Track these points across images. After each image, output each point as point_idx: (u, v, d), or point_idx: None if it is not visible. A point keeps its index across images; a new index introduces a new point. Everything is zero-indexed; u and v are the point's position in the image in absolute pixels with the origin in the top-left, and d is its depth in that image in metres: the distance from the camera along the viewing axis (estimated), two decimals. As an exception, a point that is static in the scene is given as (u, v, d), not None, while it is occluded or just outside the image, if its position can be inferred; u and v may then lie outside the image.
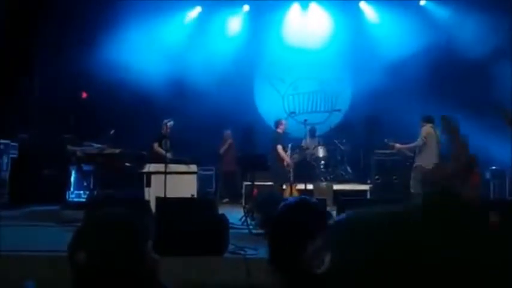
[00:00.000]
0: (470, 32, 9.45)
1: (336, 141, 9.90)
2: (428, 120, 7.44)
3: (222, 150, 9.86)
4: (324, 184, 8.60)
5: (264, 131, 9.90)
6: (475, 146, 8.22)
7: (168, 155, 7.29)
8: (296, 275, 1.21)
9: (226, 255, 4.42)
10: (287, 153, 8.04)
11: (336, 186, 8.66)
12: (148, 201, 6.20)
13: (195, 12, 11.10)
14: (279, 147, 7.76)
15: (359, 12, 10.97)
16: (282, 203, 1.40)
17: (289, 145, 8.39)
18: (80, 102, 9.76)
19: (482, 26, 9.22)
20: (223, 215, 4.87)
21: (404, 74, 9.71)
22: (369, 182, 9.20)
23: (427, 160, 7.29)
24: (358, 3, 10.92)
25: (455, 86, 9.71)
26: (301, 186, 7.87)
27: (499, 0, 9.03)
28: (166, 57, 10.11)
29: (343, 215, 0.71)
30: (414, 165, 7.43)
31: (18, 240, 4.76)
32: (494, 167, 8.76)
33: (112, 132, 8.00)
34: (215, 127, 9.94)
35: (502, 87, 9.09)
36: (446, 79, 9.79)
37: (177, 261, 3.86)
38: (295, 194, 7.83)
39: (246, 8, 11.12)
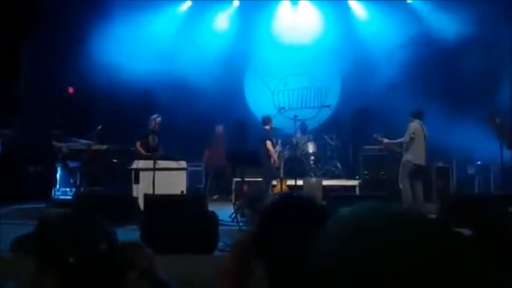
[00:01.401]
0: (456, 29, 9.54)
1: (326, 137, 9.93)
2: (416, 115, 7.49)
3: (210, 146, 9.82)
4: (313, 180, 8.61)
5: (254, 126, 9.88)
6: (459, 141, 8.35)
7: (160, 151, 7.25)
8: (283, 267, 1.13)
9: (216, 253, 4.40)
10: (276, 148, 8.04)
11: (325, 182, 8.69)
12: (136, 199, 6.15)
13: (184, 7, 11.01)
14: (268, 143, 7.75)
15: (348, 9, 10.98)
16: (268, 202, 1.31)
17: (279, 141, 8.38)
18: (66, 98, 9.62)
19: (468, 23, 9.31)
20: (213, 212, 4.84)
21: (392, 70, 9.75)
22: (357, 177, 9.25)
23: (415, 155, 7.35)
24: (347, 0, 10.94)
25: (441, 82, 9.81)
26: (291, 182, 7.88)
27: (486, 1, 9.10)
28: (155, 53, 10.00)
29: (343, 211, 0.67)
30: (402, 160, 7.49)
31: (1, 239, 4.67)
32: (479, 162, 8.87)
33: (99, 128, 7.90)
34: (205, 123, 9.89)
35: (487, 84, 9.22)
36: (434, 75, 9.88)
37: (166, 259, 3.82)
38: (285, 189, 7.84)
39: (236, 3, 11.06)
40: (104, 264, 1.21)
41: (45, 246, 1.22)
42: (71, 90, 9.47)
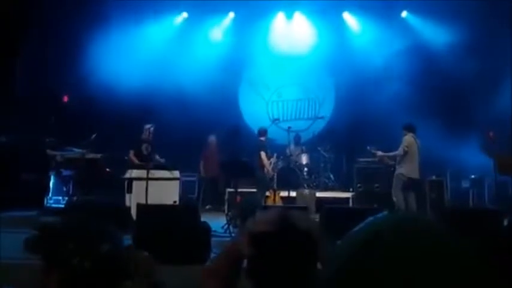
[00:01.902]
0: (450, 43, 9.66)
1: (319, 149, 9.95)
2: (410, 129, 7.53)
3: (204, 155, 9.81)
4: (306, 191, 8.60)
5: (248, 137, 9.89)
6: (453, 154, 8.39)
7: (160, 159, 7.23)
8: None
9: (208, 263, 4.37)
10: (270, 160, 8.05)
11: (319, 194, 8.68)
12: (129, 208, 6.11)
13: (180, 18, 11.09)
14: (263, 154, 7.76)
15: (342, 21, 11.10)
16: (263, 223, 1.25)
17: (275, 154, 8.40)
18: (61, 106, 9.60)
19: (462, 36, 9.43)
20: (205, 222, 4.82)
21: (387, 83, 9.83)
22: (351, 189, 9.25)
23: (408, 169, 7.38)
24: (341, 13, 11.05)
25: (436, 95, 9.88)
26: (284, 194, 7.87)
27: (480, 17, 9.22)
28: (150, 63, 10.03)
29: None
30: (395, 173, 7.50)
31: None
32: (472, 176, 8.91)
33: (93, 136, 7.88)
34: (199, 133, 9.88)
35: (481, 100, 9.29)
36: (428, 88, 9.95)
37: (158, 270, 3.79)
38: (279, 201, 7.82)
39: (232, 15, 11.15)
40: (106, 265, 1.23)
41: (51, 246, 1.24)
42: (65, 98, 9.45)
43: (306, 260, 1.12)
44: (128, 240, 4.61)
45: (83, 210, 5.52)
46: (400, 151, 7.39)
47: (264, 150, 7.84)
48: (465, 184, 9.04)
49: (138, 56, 10.00)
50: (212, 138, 9.89)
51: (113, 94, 9.26)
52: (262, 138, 7.98)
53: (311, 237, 1.14)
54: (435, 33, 10.23)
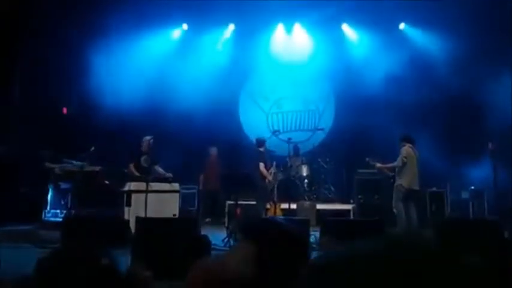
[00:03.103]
0: (448, 55, 9.71)
1: (319, 160, 9.92)
2: (408, 140, 7.52)
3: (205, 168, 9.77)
4: (307, 204, 8.56)
5: (249, 149, 9.86)
6: (453, 166, 8.38)
7: (160, 169, 7.20)
8: None
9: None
10: (270, 171, 8.02)
11: (319, 206, 8.63)
12: (127, 221, 6.06)
13: (180, 30, 11.14)
14: (261, 165, 7.73)
15: (341, 34, 11.16)
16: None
17: (273, 163, 8.37)
18: (60, 118, 9.58)
19: (459, 49, 9.48)
20: (205, 236, 4.76)
21: (386, 95, 9.86)
22: (352, 201, 9.20)
23: (408, 180, 7.34)
24: (340, 25, 11.12)
25: (435, 107, 9.89)
26: (285, 206, 7.82)
27: (478, 28, 9.28)
28: (151, 74, 10.05)
29: (319, 258, 0.65)
30: (395, 184, 7.47)
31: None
32: (472, 187, 8.88)
33: (92, 149, 7.84)
34: (199, 145, 9.86)
35: (481, 111, 9.29)
36: (427, 100, 9.96)
37: (157, 285, 3.73)
38: (279, 213, 7.77)
39: (232, 27, 11.21)
40: (108, 278, 1.22)
41: (53, 270, 1.25)
42: (64, 111, 9.44)
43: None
44: (126, 254, 4.56)
45: (81, 224, 5.46)
46: (398, 162, 7.37)
47: (262, 161, 7.81)
48: (465, 196, 9.01)
49: (138, 68, 10.02)
50: (213, 150, 9.87)
51: (112, 106, 9.26)
52: (261, 149, 7.96)
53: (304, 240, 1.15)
54: (433, 45, 10.29)
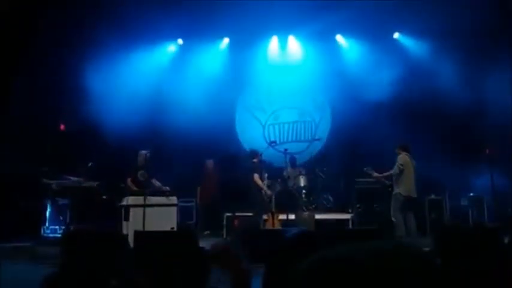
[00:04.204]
0: (442, 63, 9.79)
1: (317, 170, 9.93)
2: (404, 148, 7.56)
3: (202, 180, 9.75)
4: (305, 214, 8.54)
5: (245, 161, 9.85)
6: (452, 173, 8.38)
7: (157, 183, 7.18)
8: None
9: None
10: (264, 182, 8.03)
11: (318, 216, 8.61)
12: (126, 236, 6.03)
13: (176, 45, 11.23)
14: (256, 176, 7.74)
15: (336, 44, 11.26)
16: (285, 237, 1.31)
17: (266, 175, 8.38)
18: (57, 135, 9.59)
19: (453, 56, 9.57)
20: (204, 248, 4.75)
21: (383, 103, 9.90)
22: (350, 211, 9.19)
23: (405, 188, 7.37)
24: (334, 36, 11.23)
25: (432, 115, 9.93)
26: (283, 217, 7.80)
27: (474, 37, 9.38)
28: (146, 89, 10.09)
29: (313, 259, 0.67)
30: (393, 193, 7.49)
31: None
32: (472, 194, 8.89)
33: (90, 164, 7.85)
34: (196, 158, 9.86)
35: (478, 118, 9.33)
36: (424, 108, 9.99)
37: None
38: (277, 224, 7.76)
39: (226, 40, 11.31)
40: None
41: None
42: (62, 127, 9.45)
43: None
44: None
45: (80, 239, 5.44)
46: (395, 170, 7.40)
47: (257, 172, 7.82)
48: (464, 202, 9.01)
49: (134, 82, 10.06)
50: (209, 162, 9.87)
51: (109, 121, 9.28)
52: (255, 160, 7.97)
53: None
54: (428, 53, 10.38)
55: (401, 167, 7.34)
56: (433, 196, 8.84)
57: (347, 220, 8.83)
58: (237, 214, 7.29)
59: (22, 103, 9.35)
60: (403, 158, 7.41)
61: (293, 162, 9.98)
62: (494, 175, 7.69)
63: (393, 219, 7.39)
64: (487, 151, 7.53)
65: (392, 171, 7.46)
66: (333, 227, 7.80)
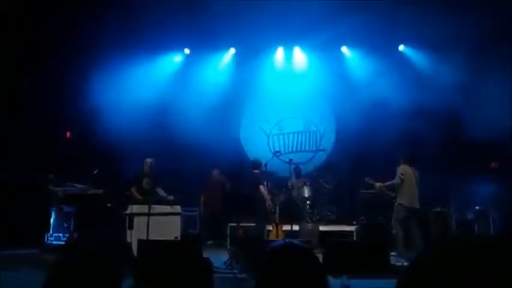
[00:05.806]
0: (448, 75, 9.79)
1: (321, 181, 9.91)
2: (405, 158, 7.54)
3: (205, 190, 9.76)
4: (310, 225, 8.51)
5: (248, 171, 9.86)
6: (457, 186, 8.34)
7: (162, 192, 7.20)
8: None
9: None
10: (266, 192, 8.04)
11: (322, 228, 8.58)
12: (130, 244, 6.06)
13: (183, 55, 11.33)
14: (261, 188, 7.73)
15: (341, 55, 11.32)
16: (268, 247, 1.33)
17: (268, 184, 8.37)
18: (63, 142, 9.65)
19: (457, 72, 9.57)
20: (207, 258, 4.75)
21: (388, 114, 9.88)
22: (354, 222, 9.14)
23: (407, 198, 7.32)
24: (340, 47, 11.28)
25: (437, 127, 9.90)
26: (287, 227, 7.78)
27: (478, 48, 9.38)
28: (152, 98, 10.15)
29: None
30: (395, 204, 7.44)
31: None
32: (477, 207, 8.82)
33: (95, 172, 7.89)
34: (201, 168, 9.88)
35: (483, 130, 9.29)
36: (428, 120, 9.94)
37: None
38: (281, 235, 7.73)
39: (232, 50, 11.40)
40: None
41: None
42: (68, 134, 9.52)
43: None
44: (129, 277, 4.54)
45: (84, 247, 5.45)
46: (396, 179, 7.38)
47: (261, 183, 7.81)
48: (469, 216, 8.94)
49: (140, 91, 10.13)
50: (215, 172, 9.88)
51: (115, 130, 9.34)
52: (256, 171, 7.96)
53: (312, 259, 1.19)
54: (433, 65, 10.39)
55: (401, 177, 7.32)
56: (438, 209, 8.78)
57: (351, 232, 8.79)
58: (240, 224, 7.27)
59: (28, 112, 9.45)
60: (403, 168, 7.41)
61: (298, 173, 9.97)
62: (499, 189, 7.65)
63: (393, 231, 7.35)
64: (492, 165, 7.49)
65: (393, 181, 7.45)
66: (338, 239, 7.75)
